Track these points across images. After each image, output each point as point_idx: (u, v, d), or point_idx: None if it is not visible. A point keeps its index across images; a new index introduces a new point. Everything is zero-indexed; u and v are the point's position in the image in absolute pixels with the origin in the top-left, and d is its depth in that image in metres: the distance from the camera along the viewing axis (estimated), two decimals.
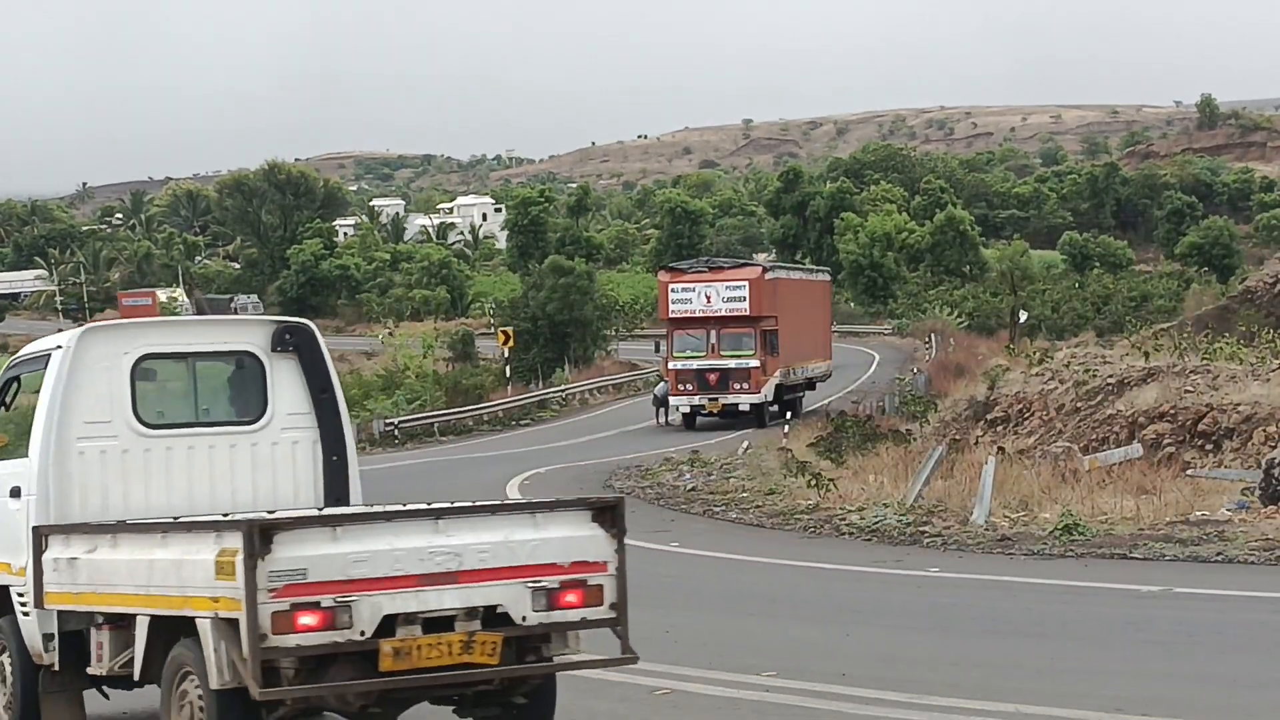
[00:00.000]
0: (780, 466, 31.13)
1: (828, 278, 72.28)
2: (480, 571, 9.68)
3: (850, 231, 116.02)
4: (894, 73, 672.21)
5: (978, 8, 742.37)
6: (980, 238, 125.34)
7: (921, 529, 22.26)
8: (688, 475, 32.65)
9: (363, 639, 9.33)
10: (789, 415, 50.39)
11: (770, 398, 52.84)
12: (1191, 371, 29.81)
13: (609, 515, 10.17)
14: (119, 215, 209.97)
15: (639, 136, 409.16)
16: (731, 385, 52.12)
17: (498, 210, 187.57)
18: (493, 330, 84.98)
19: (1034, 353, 39.07)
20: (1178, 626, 14.80)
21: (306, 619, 9.23)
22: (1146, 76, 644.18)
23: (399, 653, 9.41)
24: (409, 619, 9.48)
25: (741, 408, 52.25)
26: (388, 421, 57.12)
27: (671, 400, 53.50)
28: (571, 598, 9.96)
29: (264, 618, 9.14)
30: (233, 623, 9.32)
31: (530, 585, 9.83)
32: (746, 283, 52.62)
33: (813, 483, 26.43)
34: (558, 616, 9.95)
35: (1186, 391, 28.68)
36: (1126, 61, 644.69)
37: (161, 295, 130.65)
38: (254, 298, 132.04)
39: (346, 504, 11.77)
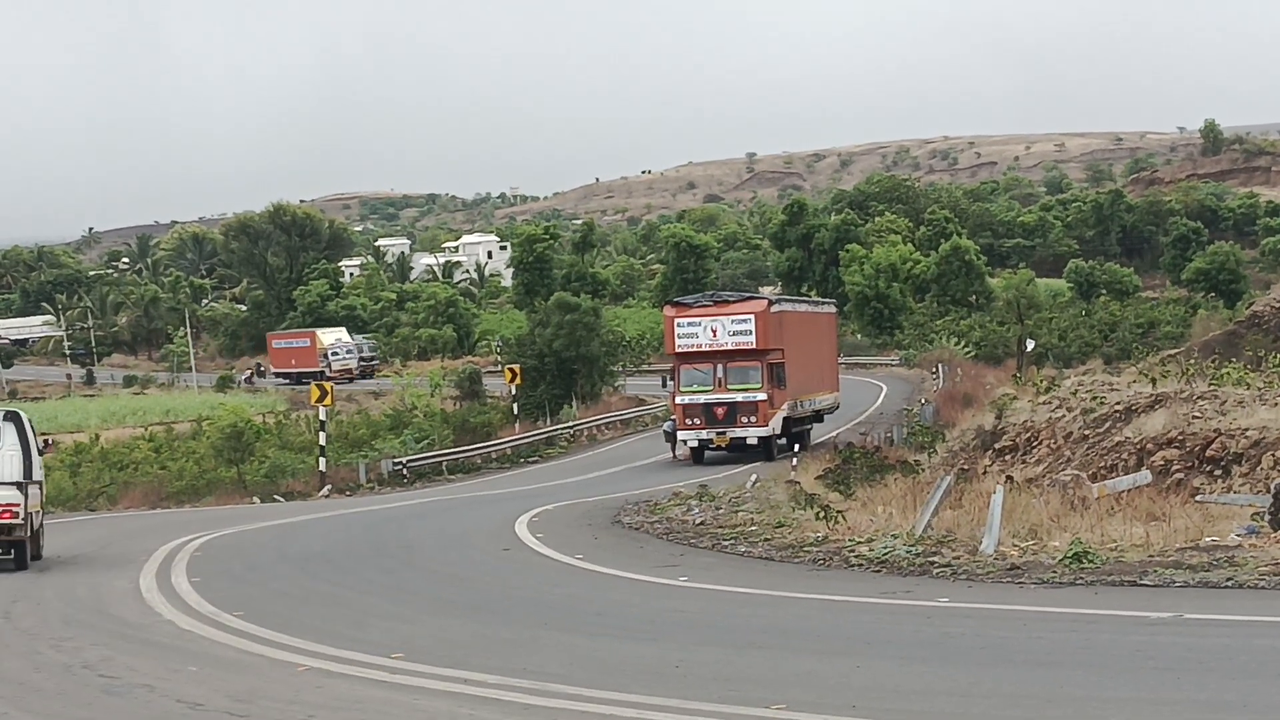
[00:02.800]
0: (789, 499, 31.08)
1: (834, 310, 72.30)
2: None
3: (856, 263, 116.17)
4: (897, 104, 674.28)
5: (980, 38, 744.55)
6: (986, 267, 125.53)
7: (931, 559, 22.20)
8: (696, 509, 32.59)
9: None
10: (797, 448, 50.36)
11: (778, 430, 52.83)
12: (1199, 397, 29.75)
13: (21, 486, 27.39)
14: (125, 260, 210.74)
15: (643, 172, 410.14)
16: (739, 419, 52.13)
17: (503, 248, 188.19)
18: (500, 368, 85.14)
19: (1041, 381, 39.02)
20: (1188, 653, 14.76)
21: None
22: (1150, 103, 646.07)
23: None
24: None
25: (749, 441, 52.26)
26: (396, 461, 57.13)
27: (679, 434, 53.47)
28: (8, 516, 27.26)
29: None
30: None
31: None
32: (752, 316, 52.65)
33: (821, 515, 26.37)
34: (4, 523, 27.31)
35: (1194, 417, 28.62)
36: (1129, 88, 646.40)
37: (328, 337, 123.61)
38: (371, 340, 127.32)
39: (32, 480, 28.03)
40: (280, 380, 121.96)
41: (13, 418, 28.46)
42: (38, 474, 28.74)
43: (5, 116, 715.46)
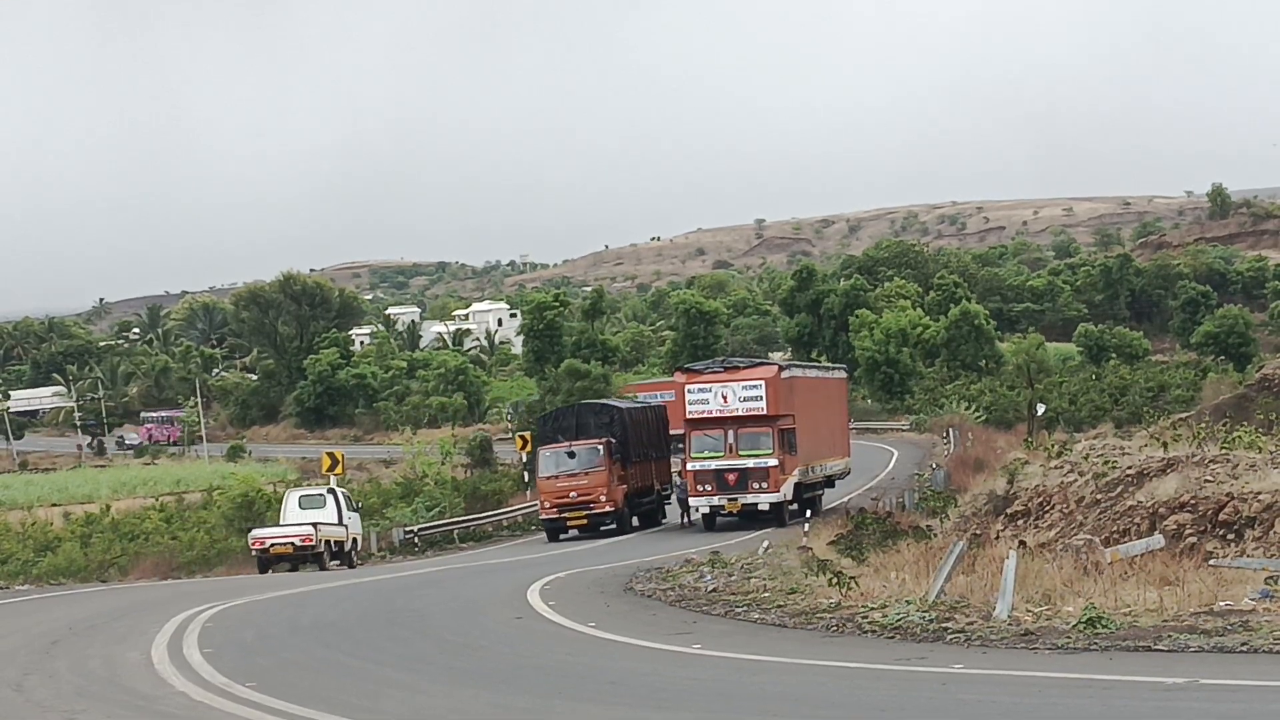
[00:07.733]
0: (801, 565, 31.03)
1: (844, 375, 72.30)
2: None
3: (865, 328, 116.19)
4: (905, 169, 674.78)
5: (987, 103, 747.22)
6: (995, 332, 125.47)
7: (944, 625, 22.15)
8: (708, 576, 32.53)
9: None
10: (808, 514, 50.30)
11: (789, 496, 52.78)
12: (1211, 461, 29.73)
13: (316, 526, 50.18)
14: (136, 330, 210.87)
15: (652, 239, 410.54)
16: (750, 485, 52.08)
17: (513, 315, 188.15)
18: (511, 435, 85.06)
19: (1052, 445, 39.01)
20: (1204, 719, 14.71)
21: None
22: (1157, 167, 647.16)
23: None
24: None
25: (761, 507, 52.18)
26: (407, 529, 57.13)
27: (690, 501, 53.43)
28: (307, 541, 50.33)
29: None
30: None
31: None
32: (763, 382, 52.67)
33: (834, 581, 26.32)
34: (302, 545, 50.75)
35: (1206, 481, 28.61)
36: (1136, 153, 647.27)
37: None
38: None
39: (338, 524, 52.05)
40: None
41: (331, 491, 52.88)
42: (345, 520, 51.82)
43: (16, 189, 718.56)
